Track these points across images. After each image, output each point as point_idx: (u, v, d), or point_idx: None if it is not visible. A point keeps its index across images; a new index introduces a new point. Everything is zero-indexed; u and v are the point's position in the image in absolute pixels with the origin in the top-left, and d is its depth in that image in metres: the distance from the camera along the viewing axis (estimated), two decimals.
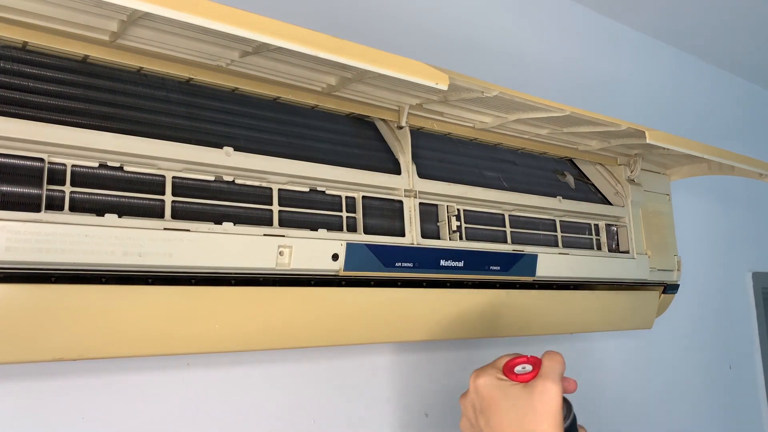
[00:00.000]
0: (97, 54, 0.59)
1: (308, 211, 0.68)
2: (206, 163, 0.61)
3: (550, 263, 0.88)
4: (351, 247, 0.69)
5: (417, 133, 0.83)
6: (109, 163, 0.57)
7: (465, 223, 0.81)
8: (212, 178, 0.62)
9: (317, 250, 0.66)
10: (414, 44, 1.02)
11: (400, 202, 0.75)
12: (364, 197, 0.72)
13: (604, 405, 1.20)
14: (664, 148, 0.88)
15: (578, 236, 0.95)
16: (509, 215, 0.86)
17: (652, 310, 1.06)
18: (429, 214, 0.79)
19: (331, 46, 0.55)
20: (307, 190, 0.68)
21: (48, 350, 0.53)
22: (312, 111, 0.74)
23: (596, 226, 0.97)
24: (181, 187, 0.60)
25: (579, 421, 0.59)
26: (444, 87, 0.62)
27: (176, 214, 0.59)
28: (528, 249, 0.86)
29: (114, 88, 0.60)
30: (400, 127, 0.78)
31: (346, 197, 0.71)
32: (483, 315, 0.83)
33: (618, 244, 1.01)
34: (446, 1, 1.10)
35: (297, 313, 0.67)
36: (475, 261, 0.80)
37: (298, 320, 0.67)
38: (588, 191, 1.01)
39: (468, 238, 0.80)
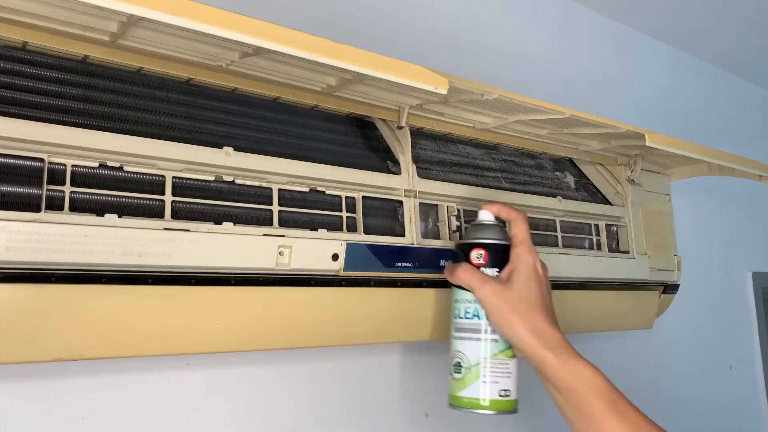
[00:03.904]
0: (97, 54, 0.59)
1: (308, 211, 0.68)
2: (206, 163, 0.61)
3: (550, 263, 0.87)
4: (351, 247, 0.69)
5: (417, 133, 0.83)
6: (109, 163, 0.57)
7: (465, 223, 0.81)
8: (212, 178, 0.62)
9: (317, 250, 0.66)
10: (414, 44, 1.02)
11: (400, 202, 0.75)
12: (364, 197, 0.72)
13: None
14: (664, 150, 0.88)
15: (578, 236, 0.95)
16: None
17: (652, 310, 1.06)
18: (429, 214, 0.79)
19: (330, 50, 0.55)
20: (307, 190, 0.68)
21: (48, 350, 0.53)
22: (312, 111, 0.75)
23: (596, 226, 0.97)
24: (181, 187, 0.60)
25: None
26: (443, 91, 0.62)
27: (176, 214, 0.59)
28: None
29: (114, 88, 0.60)
30: (400, 127, 0.78)
31: (346, 197, 0.71)
32: None
33: (618, 244, 1.01)
34: (446, 2, 1.10)
35: (297, 313, 0.67)
36: None
37: (298, 320, 0.67)
38: (588, 191, 1.01)
39: None
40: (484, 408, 0.67)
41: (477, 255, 0.69)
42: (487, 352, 0.68)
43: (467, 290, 0.68)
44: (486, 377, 0.67)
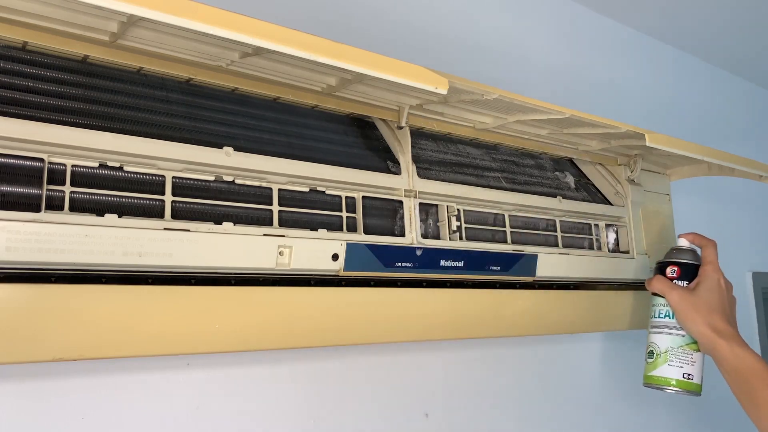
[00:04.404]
0: (97, 54, 0.59)
1: (308, 211, 0.68)
2: (206, 163, 0.61)
3: (550, 263, 0.88)
4: (351, 247, 0.69)
5: (417, 133, 0.83)
6: (109, 163, 0.57)
7: (465, 223, 0.81)
8: (212, 178, 0.62)
9: (317, 250, 0.66)
10: (414, 45, 1.02)
11: (400, 202, 0.75)
12: (364, 197, 0.72)
13: (604, 405, 1.20)
14: (664, 151, 0.88)
15: (578, 236, 0.95)
16: (509, 215, 0.86)
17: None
18: (429, 214, 0.79)
19: (330, 50, 0.55)
20: (307, 190, 0.68)
21: (48, 350, 0.53)
22: (312, 111, 0.75)
23: (596, 226, 0.97)
24: (181, 187, 0.60)
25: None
26: (443, 91, 0.62)
27: (176, 214, 0.59)
28: (528, 249, 0.86)
29: (114, 88, 0.60)
30: (400, 127, 0.78)
31: (346, 197, 0.71)
32: (483, 315, 0.83)
33: (618, 244, 1.01)
34: (446, 2, 1.10)
35: (297, 313, 0.67)
36: (475, 261, 0.80)
37: (298, 320, 0.67)
38: (588, 191, 1.01)
39: (468, 238, 0.80)
40: (671, 385, 0.85)
41: (671, 270, 0.88)
42: (674, 343, 0.86)
43: (661, 296, 0.87)
44: (673, 362, 0.85)
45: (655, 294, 0.89)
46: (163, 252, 0.57)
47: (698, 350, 0.85)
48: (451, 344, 0.97)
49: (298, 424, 0.80)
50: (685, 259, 0.88)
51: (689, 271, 0.87)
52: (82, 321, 0.54)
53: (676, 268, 0.88)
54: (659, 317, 0.88)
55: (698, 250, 0.90)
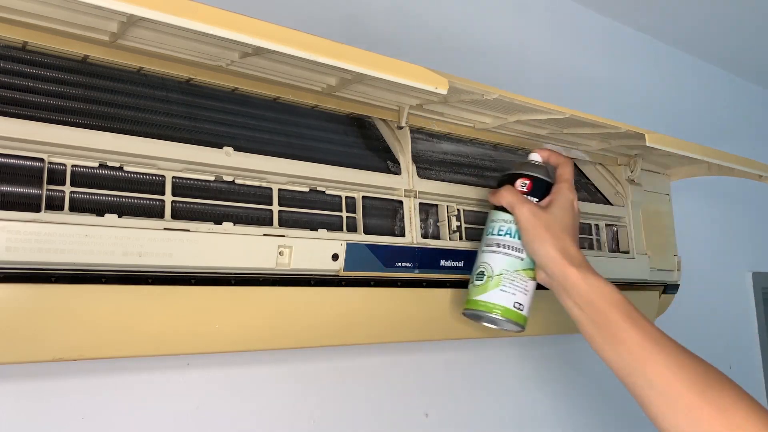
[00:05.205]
0: (97, 54, 0.59)
1: (308, 211, 0.68)
2: (206, 163, 0.61)
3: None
4: (351, 247, 0.69)
5: (417, 133, 0.83)
6: (109, 163, 0.57)
7: (465, 223, 0.81)
8: (212, 178, 0.62)
9: (317, 250, 0.66)
10: (414, 45, 1.02)
11: (400, 202, 0.75)
12: (364, 197, 0.72)
13: (604, 405, 1.20)
14: (664, 151, 0.88)
15: (578, 236, 0.95)
16: None
17: (652, 310, 1.06)
18: (429, 214, 0.79)
19: (330, 50, 0.55)
20: (307, 190, 0.68)
21: (48, 350, 0.53)
22: (312, 111, 0.75)
23: (596, 226, 0.97)
24: (181, 187, 0.60)
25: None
26: (443, 91, 0.62)
27: (176, 214, 0.59)
28: None
29: (114, 88, 0.60)
30: (400, 127, 0.78)
31: (346, 197, 0.71)
32: None
33: (618, 244, 1.01)
34: (447, 2, 1.10)
35: (297, 313, 0.67)
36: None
37: (298, 320, 0.67)
38: (588, 191, 1.01)
39: (468, 238, 0.80)
40: (497, 312, 0.72)
41: (522, 183, 0.74)
42: (511, 266, 0.72)
43: (505, 211, 0.73)
44: (505, 287, 0.72)
45: (497, 209, 0.75)
46: (163, 252, 0.57)
47: (534, 278, 0.73)
48: (451, 344, 0.97)
49: (298, 424, 0.80)
50: (540, 174, 0.75)
51: (541, 188, 0.74)
52: (82, 321, 0.54)
53: (528, 182, 0.74)
54: (498, 234, 0.73)
55: (551, 169, 0.78)
